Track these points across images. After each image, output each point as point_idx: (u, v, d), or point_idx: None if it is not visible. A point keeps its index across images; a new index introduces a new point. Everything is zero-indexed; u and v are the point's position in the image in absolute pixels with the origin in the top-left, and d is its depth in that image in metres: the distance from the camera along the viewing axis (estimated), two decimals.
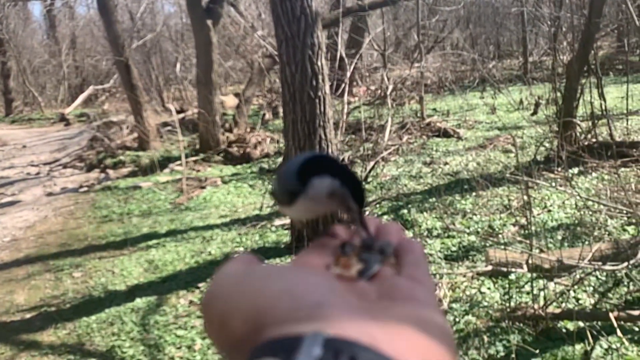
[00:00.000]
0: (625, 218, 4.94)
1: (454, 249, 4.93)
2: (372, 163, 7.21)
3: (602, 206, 4.86)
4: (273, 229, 5.94)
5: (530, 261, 3.89)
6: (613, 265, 3.48)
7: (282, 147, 7.87)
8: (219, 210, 6.81)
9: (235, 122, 10.56)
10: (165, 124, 11.52)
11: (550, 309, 3.60)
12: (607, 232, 4.82)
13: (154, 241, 5.99)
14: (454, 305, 3.95)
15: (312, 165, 0.53)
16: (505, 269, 4.01)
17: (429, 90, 13.30)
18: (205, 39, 9.63)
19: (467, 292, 4.10)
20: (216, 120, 9.74)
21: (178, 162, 8.97)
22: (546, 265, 3.84)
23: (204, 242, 5.81)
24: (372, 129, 8.93)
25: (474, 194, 6.10)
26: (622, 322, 3.39)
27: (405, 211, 5.93)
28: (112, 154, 10.30)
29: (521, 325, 3.59)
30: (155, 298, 4.69)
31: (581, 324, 3.44)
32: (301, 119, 4.88)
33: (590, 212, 5.22)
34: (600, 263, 3.57)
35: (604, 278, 4.08)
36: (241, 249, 5.54)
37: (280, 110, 8.67)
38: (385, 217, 5.78)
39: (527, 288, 3.97)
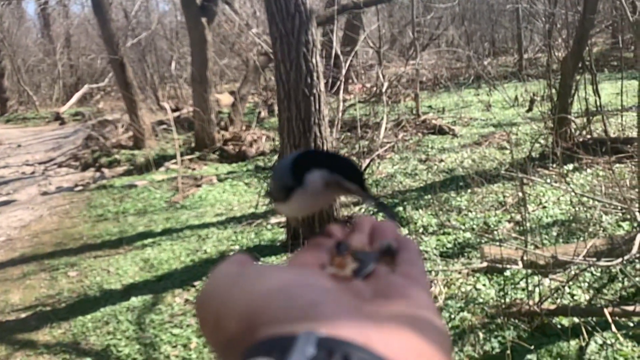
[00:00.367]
0: (620, 214, 4.96)
1: (449, 245, 4.94)
2: (367, 160, 7.21)
3: (596, 202, 4.87)
4: (269, 227, 5.94)
5: (525, 257, 3.90)
6: (608, 261, 3.49)
7: (278, 145, 7.87)
8: (214, 209, 6.80)
9: (231, 120, 10.55)
10: (160, 123, 11.49)
11: (546, 305, 3.61)
12: (601, 228, 4.84)
13: (150, 240, 5.98)
14: (449, 302, 3.96)
15: (304, 161, 0.54)
16: (500, 266, 4.02)
17: (424, 87, 13.30)
18: (200, 37, 9.62)
19: (463, 289, 4.11)
20: (211, 118, 9.72)
21: (173, 161, 8.95)
22: (541, 262, 3.85)
23: (199, 241, 5.80)
24: (368, 127, 8.93)
25: (469, 190, 6.11)
26: (617, 318, 3.41)
27: (400, 208, 5.94)
28: (107, 153, 10.28)
29: (516, 321, 3.60)
30: (150, 297, 4.68)
31: (576, 319, 3.45)
32: (296, 117, 4.87)
33: (585, 208, 5.23)
34: (595, 259, 3.58)
35: (598, 274, 4.10)
36: (237, 247, 5.54)
37: (276, 108, 8.67)
38: (381, 214, 5.78)
39: (522, 284, 3.98)
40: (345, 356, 0.30)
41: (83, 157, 10.55)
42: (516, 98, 10.42)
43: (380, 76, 9.56)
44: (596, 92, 6.97)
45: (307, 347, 0.31)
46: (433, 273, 4.26)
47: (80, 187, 8.65)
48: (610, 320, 3.26)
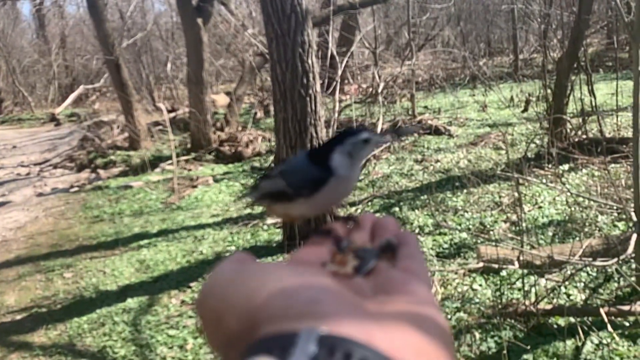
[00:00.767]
0: (616, 214, 4.97)
1: (445, 246, 4.94)
2: (363, 161, 7.21)
3: (592, 202, 4.88)
4: (265, 227, 5.93)
5: (521, 258, 3.90)
6: (603, 261, 3.50)
7: (274, 145, 7.86)
8: (210, 210, 6.79)
9: (227, 121, 10.54)
10: (156, 123, 11.48)
11: (542, 305, 3.62)
12: (597, 228, 4.85)
13: (146, 241, 5.97)
14: (445, 302, 3.96)
15: (316, 155, 0.55)
16: (496, 266, 4.02)
17: (420, 87, 13.33)
18: (196, 37, 9.61)
19: (459, 289, 4.12)
20: (207, 119, 9.71)
21: (169, 162, 8.93)
22: (537, 262, 3.86)
23: (195, 242, 5.79)
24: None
25: (465, 191, 6.12)
26: (613, 318, 3.42)
27: (397, 209, 5.94)
28: (102, 154, 10.26)
29: (513, 321, 3.60)
30: (146, 298, 4.67)
31: (572, 319, 3.46)
32: (292, 117, 4.87)
33: (581, 209, 5.24)
34: (590, 259, 3.58)
35: (594, 274, 4.11)
36: (233, 248, 5.53)
37: (272, 108, 8.66)
38: (377, 215, 5.78)
39: (519, 284, 3.98)
40: (346, 353, 0.30)
41: (78, 158, 10.52)
42: (512, 98, 10.44)
43: (376, 77, 9.57)
44: (591, 92, 6.99)
45: (308, 344, 0.30)
46: (429, 273, 4.26)
47: (75, 188, 8.63)
48: (606, 319, 3.27)
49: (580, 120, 7.25)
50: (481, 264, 4.17)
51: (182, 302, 4.55)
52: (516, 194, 4.55)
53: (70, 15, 24.90)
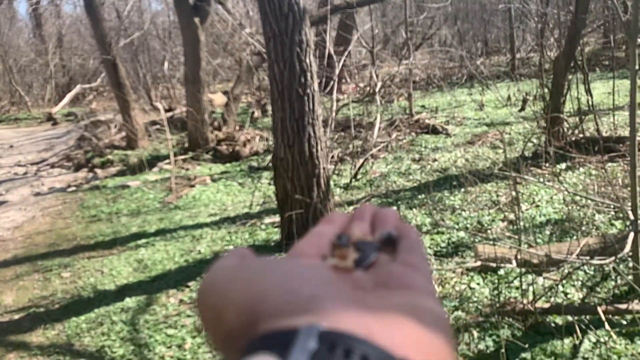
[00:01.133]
0: (613, 212, 4.98)
1: (443, 245, 4.95)
2: (361, 160, 7.22)
3: (589, 201, 4.89)
4: (263, 227, 5.93)
5: (519, 256, 3.91)
6: (601, 259, 3.51)
7: (271, 145, 7.86)
8: (208, 209, 6.79)
9: (224, 120, 10.53)
10: (153, 123, 11.46)
11: (539, 304, 3.62)
12: (594, 227, 4.86)
13: (143, 240, 5.96)
14: (443, 301, 3.96)
15: None
16: (494, 265, 4.03)
17: (418, 87, 13.33)
18: (193, 36, 9.59)
19: (457, 288, 4.12)
20: (205, 118, 9.70)
21: (167, 161, 8.92)
22: (535, 260, 3.87)
23: (193, 241, 5.79)
24: (361, 126, 8.94)
25: (462, 190, 6.13)
26: (610, 316, 3.43)
27: (394, 208, 5.94)
28: (100, 153, 10.24)
29: (510, 320, 3.61)
30: (144, 297, 4.67)
31: (570, 318, 3.47)
32: (290, 117, 4.87)
33: (578, 207, 5.25)
34: (588, 257, 3.59)
35: (592, 272, 4.12)
36: (231, 247, 5.53)
37: (269, 108, 8.65)
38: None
39: (516, 283, 3.99)
40: (347, 349, 0.30)
41: (76, 157, 10.50)
42: (509, 97, 10.45)
43: (374, 76, 9.58)
44: (588, 91, 7.00)
45: (308, 340, 0.30)
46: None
47: (73, 188, 8.61)
48: (603, 318, 3.27)
49: (577, 119, 7.26)
50: (479, 263, 4.17)
51: (181, 301, 4.55)
52: (513, 193, 4.56)
53: (67, 15, 24.86)
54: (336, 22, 13.11)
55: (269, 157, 8.57)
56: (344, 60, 9.49)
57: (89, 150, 10.60)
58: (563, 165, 6.51)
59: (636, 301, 3.49)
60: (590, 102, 7.04)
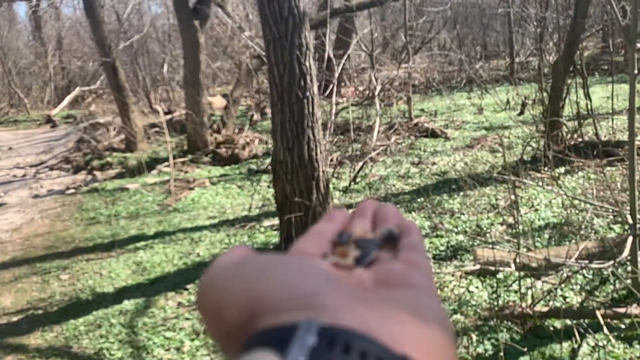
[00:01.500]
0: (611, 216, 4.99)
1: (442, 248, 4.95)
2: (360, 163, 7.23)
3: (588, 205, 4.90)
4: (262, 229, 5.93)
5: (517, 260, 3.91)
6: (599, 263, 3.51)
7: (271, 148, 7.86)
8: (207, 212, 6.78)
9: (224, 123, 10.53)
10: (152, 125, 11.46)
11: (538, 307, 3.62)
12: (593, 231, 4.86)
13: (142, 243, 5.96)
14: (442, 304, 3.96)
15: None
16: (493, 268, 4.03)
17: (417, 90, 13.34)
18: (193, 39, 9.60)
19: (456, 291, 4.12)
20: (204, 121, 9.70)
21: (166, 164, 8.92)
22: (534, 264, 3.87)
23: (192, 244, 5.78)
24: (361, 130, 8.95)
25: (461, 193, 6.13)
26: (609, 320, 3.43)
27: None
28: (99, 156, 10.22)
29: (509, 323, 3.61)
30: (143, 300, 4.66)
31: (568, 322, 3.47)
32: (289, 120, 4.87)
33: (577, 211, 5.26)
34: (587, 261, 3.60)
35: (590, 276, 4.12)
36: None
37: (269, 111, 8.66)
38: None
39: (515, 287, 3.99)
40: (346, 345, 0.30)
41: (75, 160, 10.49)
42: (508, 101, 10.47)
43: (373, 79, 9.59)
44: (587, 95, 7.01)
45: (307, 336, 0.30)
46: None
47: (71, 190, 8.61)
48: (602, 322, 3.27)
49: (576, 123, 7.27)
50: (478, 267, 4.18)
51: (179, 304, 4.54)
52: (512, 197, 4.56)
53: (67, 17, 24.86)
54: (336, 26, 13.12)
55: (268, 160, 8.57)
56: (344, 64, 9.51)
57: (87, 153, 10.59)
58: (562, 169, 6.52)
59: (635, 305, 3.50)
60: (589, 107, 7.05)
